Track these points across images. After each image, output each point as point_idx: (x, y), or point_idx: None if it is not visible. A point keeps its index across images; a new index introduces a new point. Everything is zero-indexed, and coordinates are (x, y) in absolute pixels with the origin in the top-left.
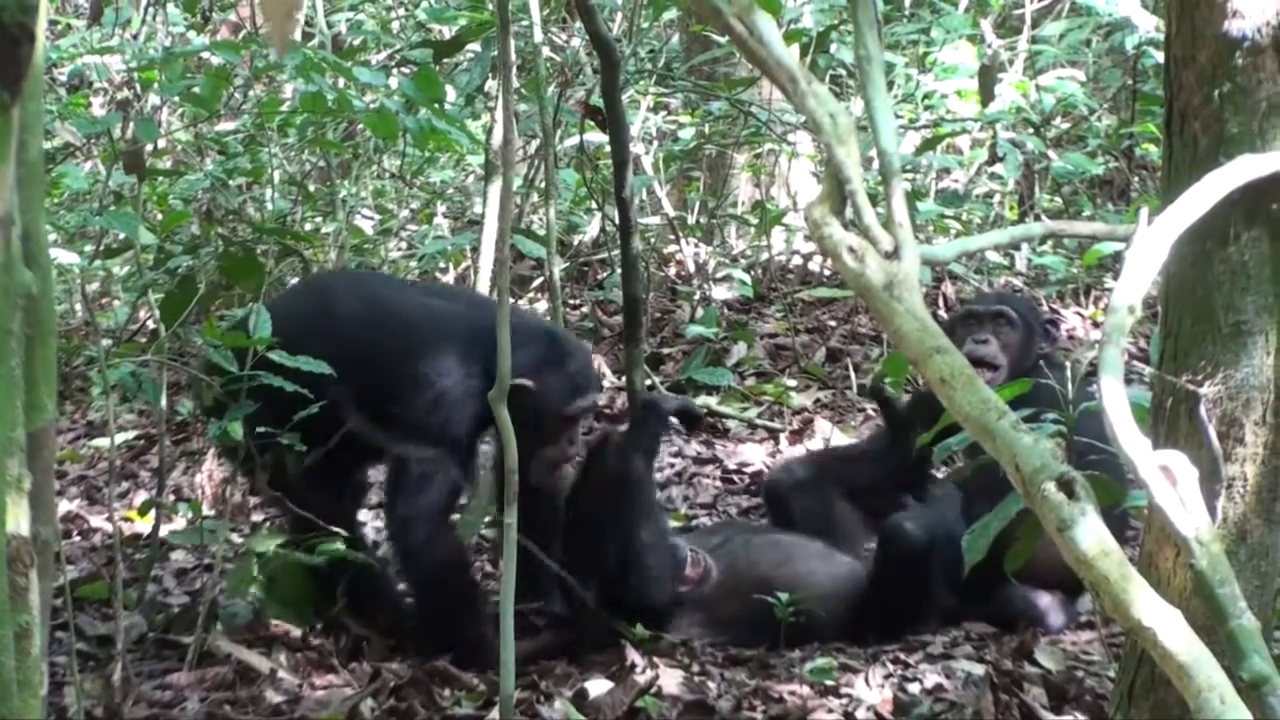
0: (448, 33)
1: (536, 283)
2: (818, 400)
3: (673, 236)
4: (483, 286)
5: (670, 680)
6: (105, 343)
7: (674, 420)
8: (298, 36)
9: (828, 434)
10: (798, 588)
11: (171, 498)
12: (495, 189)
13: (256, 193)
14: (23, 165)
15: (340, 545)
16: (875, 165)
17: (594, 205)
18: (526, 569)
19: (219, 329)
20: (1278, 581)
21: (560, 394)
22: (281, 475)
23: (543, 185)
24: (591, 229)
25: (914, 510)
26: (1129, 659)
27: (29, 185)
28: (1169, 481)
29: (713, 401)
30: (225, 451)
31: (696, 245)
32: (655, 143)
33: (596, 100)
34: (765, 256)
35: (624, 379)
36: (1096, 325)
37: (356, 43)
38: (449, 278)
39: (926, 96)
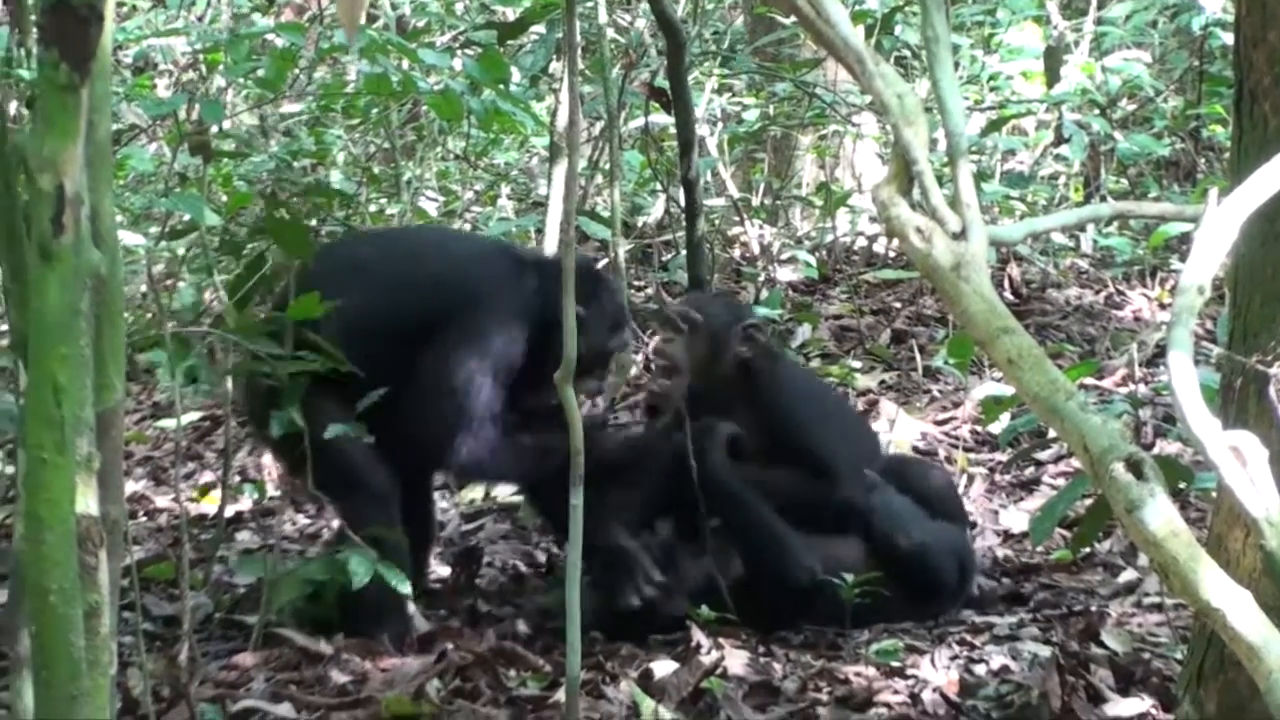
0: (512, 14)
1: (601, 264)
2: (883, 382)
3: (737, 218)
4: None
5: (736, 661)
6: (171, 324)
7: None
8: (363, 20)
9: (893, 415)
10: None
11: (237, 479)
12: (560, 170)
13: (321, 174)
14: (91, 145)
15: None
16: (941, 146)
17: (659, 187)
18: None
19: (256, 315)
20: None
21: (605, 330)
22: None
23: (607, 167)
24: (656, 210)
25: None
26: (1197, 640)
27: (97, 165)
28: (1239, 462)
29: None
30: (275, 446)
31: (761, 227)
32: (720, 124)
33: (661, 82)
34: (830, 238)
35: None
36: (1163, 307)
37: (421, 24)
38: None
39: (992, 78)
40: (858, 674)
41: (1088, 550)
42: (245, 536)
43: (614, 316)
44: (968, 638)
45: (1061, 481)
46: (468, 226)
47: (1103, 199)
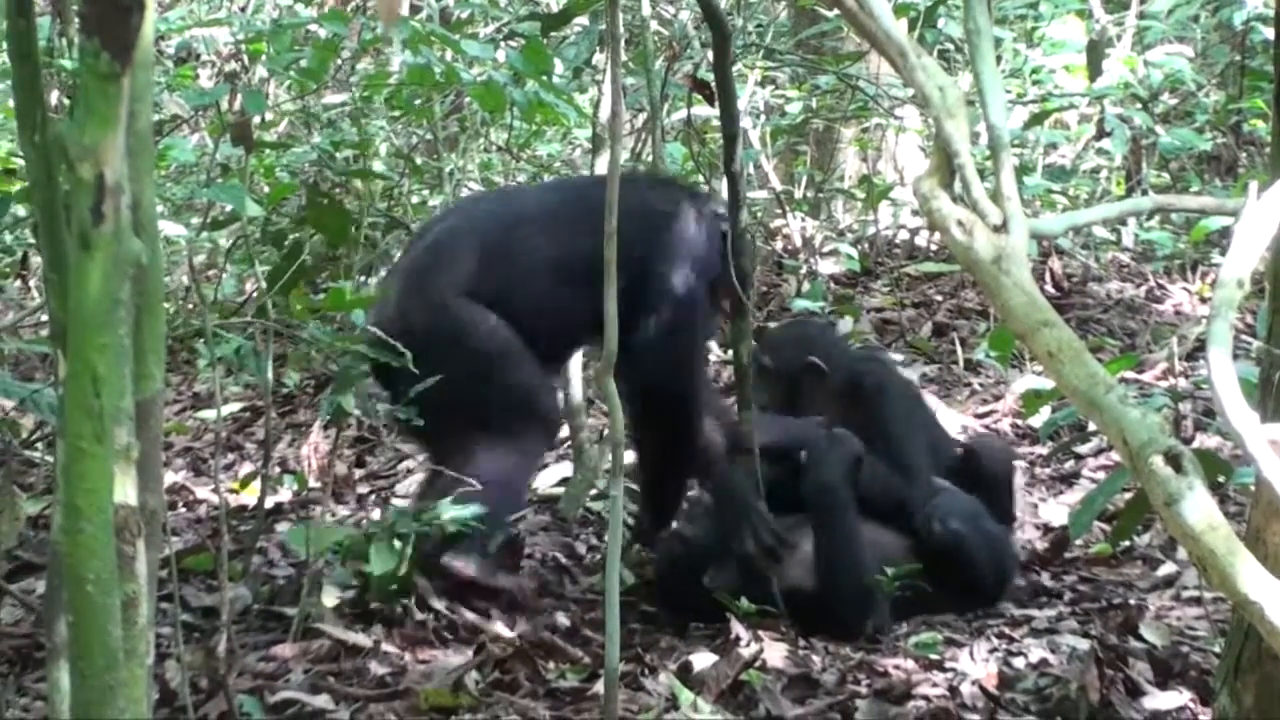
0: (555, 5)
1: None
2: (924, 375)
3: (779, 210)
4: None
5: (775, 653)
6: (212, 316)
7: None
8: (405, 10)
9: (934, 409)
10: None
11: (277, 470)
12: (602, 162)
13: (363, 165)
14: (132, 135)
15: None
16: (983, 139)
17: (701, 179)
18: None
19: (310, 299)
20: None
21: (748, 254)
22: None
23: (650, 159)
24: None
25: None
26: (1235, 634)
27: (138, 155)
28: (1277, 455)
29: None
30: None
31: (803, 219)
32: (762, 117)
33: (704, 74)
34: (872, 231)
35: (730, 352)
36: (1204, 301)
37: (464, 15)
38: None
39: (1034, 71)
40: (896, 666)
41: (1127, 544)
42: (285, 528)
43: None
44: (1007, 631)
45: (1101, 475)
46: None
47: (1144, 193)
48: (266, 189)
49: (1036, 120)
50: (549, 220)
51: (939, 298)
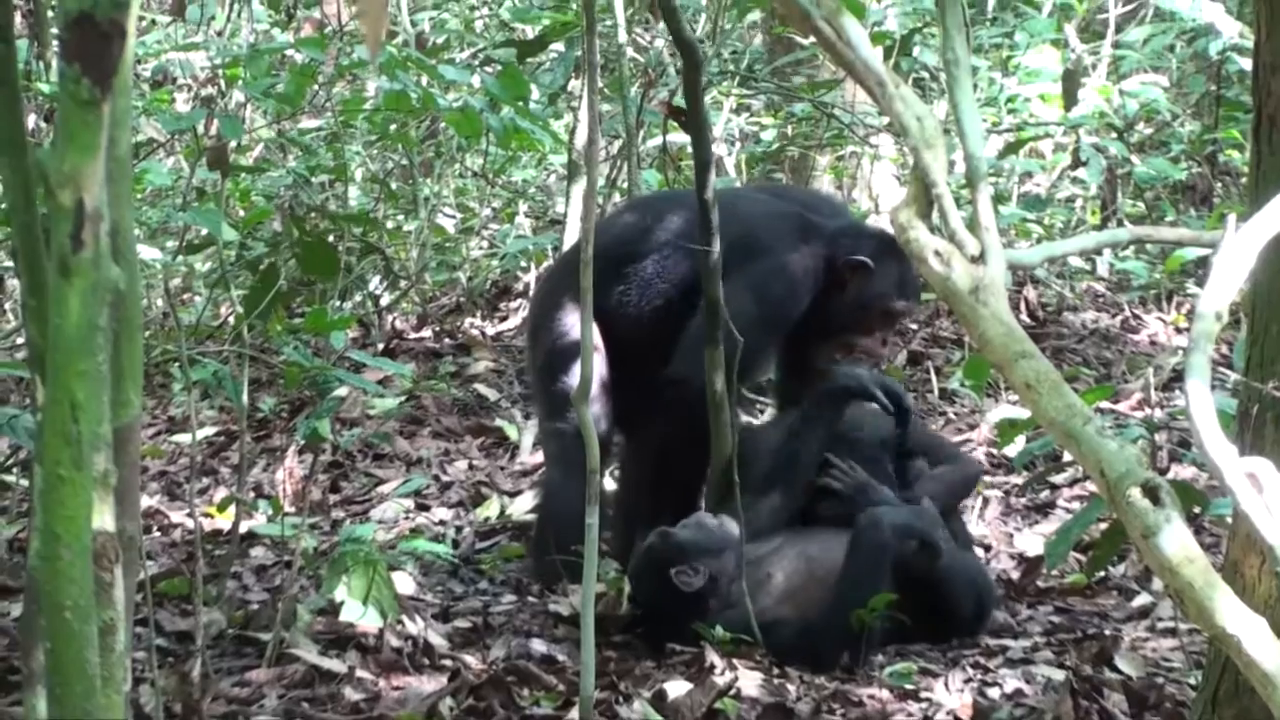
0: (532, 32)
1: None
2: None
3: None
4: None
5: (749, 682)
6: (188, 340)
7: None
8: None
9: None
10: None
11: (252, 494)
12: (578, 189)
13: (339, 190)
14: (112, 160)
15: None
16: (959, 169)
17: None
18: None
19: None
20: None
21: (892, 286)
22: None
23: (625, 185)
24: None
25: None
26: (1212, 666)
27: (117, 180)
28: (1255, 488)
29: None
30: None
31: None
32: (738, 144)
33: (679, 100)
34: None
35: None
36: (1179, 331)
37: (440, 41)
38: (530, 277)
39: (1010, 100)
40: (871, 696)
41: (1102, 574)
42: (259, 552)
43: (902, 276)
44: (982, 661)
45: (1076, 505)
46: (485, 244)
47: (1119, 222)
48: (242, 213)
49: (1012, 149)
50: (668, 238)
51: (914, 326)
